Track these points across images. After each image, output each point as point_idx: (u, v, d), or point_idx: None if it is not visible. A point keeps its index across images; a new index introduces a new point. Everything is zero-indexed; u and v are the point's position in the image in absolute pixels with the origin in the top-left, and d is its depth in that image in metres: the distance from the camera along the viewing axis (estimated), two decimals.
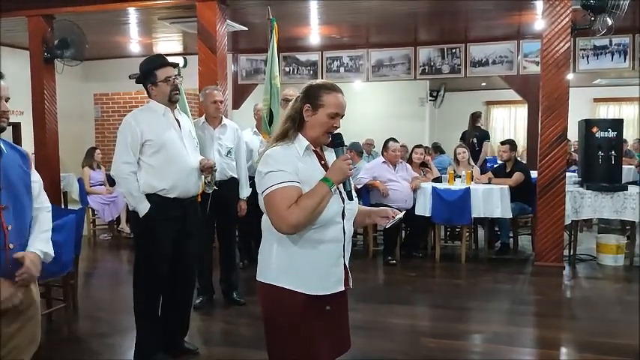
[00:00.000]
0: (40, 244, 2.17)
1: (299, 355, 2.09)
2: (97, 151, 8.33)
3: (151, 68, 3.39)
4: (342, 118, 2.10)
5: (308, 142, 2.07)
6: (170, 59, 3.56)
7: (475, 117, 9.84)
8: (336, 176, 2.02)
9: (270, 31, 5.08)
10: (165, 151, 3.34)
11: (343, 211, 2.09)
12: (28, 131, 7.66)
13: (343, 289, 2.11)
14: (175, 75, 3.41)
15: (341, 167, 2.02)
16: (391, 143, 6.61)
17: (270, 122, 4.87)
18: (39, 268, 2.14)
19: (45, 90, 6.97)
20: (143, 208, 3.35)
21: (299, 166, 2.03)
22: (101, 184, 8.09)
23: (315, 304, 2.06)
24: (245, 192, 4.64)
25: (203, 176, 3.70)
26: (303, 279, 2.04)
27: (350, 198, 2.07)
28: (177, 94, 3.42)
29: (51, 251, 2.22)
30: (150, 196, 3.35)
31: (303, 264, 2.04)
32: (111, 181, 8.14)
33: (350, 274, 2.14)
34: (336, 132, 2.09)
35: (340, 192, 2.07)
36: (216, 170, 3.76)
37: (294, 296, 2.03)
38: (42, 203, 2.27)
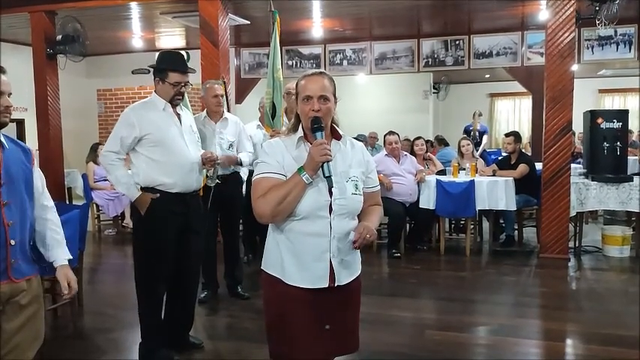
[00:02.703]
0: (64, 252, 2.31)
1: (280, 345, 2.11)
2: (101, 146, 8.31)
3: (166, 68, 3.37)
4: (325, 100, 2.02)
5: (301, 135, 2.08)
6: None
7: (477, 115, 10.76)
8: (308, 163, 1.97)
9: (272, 23, 5.05)
10: (165, 146, 3.33)
11: (331, 206, 2.02)
12: (32, 127, 7.67)
13: (326, 285, 2.04)
14: (185, 82, 3.39)
15: (311, 153, 1.97)
16: (387, 136, 6.60)
17: (273, 115, 4.85)
18: (74, 276, 2.34)
19: (48, 86, 6.98)
20: (133, 193, 3.34)
21: (286, 158, 2.05)
22: (105, 180, 8.07)
23: (301, 296, 2.04)
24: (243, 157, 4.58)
25: (205, 170, 3.68)
26: (285, 269, 2.06)
27: (330, 184, 1.98)
28: (179, 99, 3.42)
29: (69, 254, 2.35)
30: (151, 190, 3.35)
31: (286, 254, 2.06)
32: None
33: (338, 273, 2.05)
34: (314, 116, 2.02)
35: (330, 186, 1.99)
36: (219, 163, 3.74)
37: (280, 284, 2.07)
38: (49, 201, 2.31)
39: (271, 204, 1.98)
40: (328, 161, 1.96)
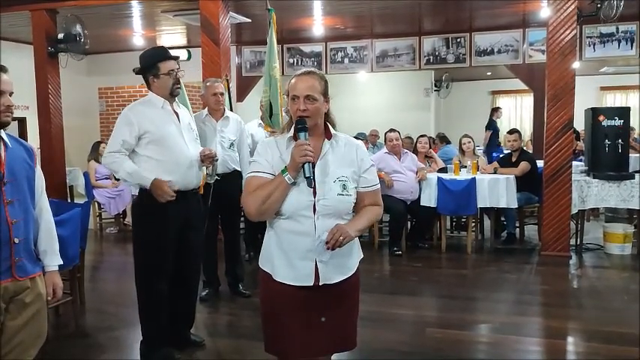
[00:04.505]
0: (55, 257, 2.31)
1: (274, 341, 2.15)
2: (103, 145, 8.31)
3: (154, 61, 3.36)
4: (312, 99, 2.04)
5: (291, 134, 2.10)
6: (173, 52, 3.55)
7: (493, 110, 11.76)
8: (290, 164, 2.00)
9: (269, 22, 5.04)
10: (164, 144, 3.32)
11: (315, 206, 2.03)
12: (33, 126, 7.68)
13: (311, 284, 2.06)
14: (177, 68, 3.39)
15: (292, 154, 2.00)
16: (388, 134, 6.60)
17: (271, 114, 4.83)
18: (61, 283, 2.35)
19: (49, 84, 6.98)
20: (147, 180, 3.29)
21: (275, 158, 2.08)
22: (107, 178, 8.11)
23: (291, 293, 2.07)
24: None
25: (204, 167, 3.68)
26: (274, 265, 2.10)
27: (309, 185, 1.99)
28: (178, 87, 3.40)
29: (60, 260, 2.35)
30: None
31: (276, 250, 2.10)
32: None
33: (322, 272, 2.06)
34: (299, 117, 2.04)
35: (309, 186, 2.00)
36: (217, 160, 3.73)
37: (272, 280, 2.11)
38: (46, 204, 2.32)
39: (256, 202, 2.03)
40: (308, 162, 1.98)
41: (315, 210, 2.03)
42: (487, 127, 11.34)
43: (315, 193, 2.03)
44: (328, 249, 2.00)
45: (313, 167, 2.00)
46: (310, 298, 2.08)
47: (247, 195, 2.07)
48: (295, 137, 2.07)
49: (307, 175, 1.99)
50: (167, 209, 3.33)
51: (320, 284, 2.07)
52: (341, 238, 1.98)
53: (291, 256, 2.07)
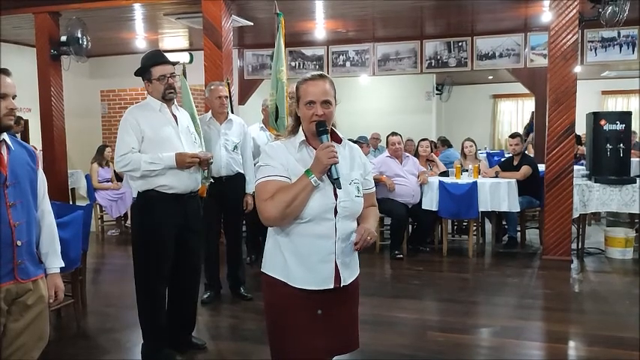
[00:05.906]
0: (56, 259, 2.32)
1: (283, 346, 2.12)
2: (108, 149, 8.34)
3: (148, 65, 3.37)
4: (327, 104, 2.04)
5: (303, 138, 2.09)
6: (175, 55, 3.55)
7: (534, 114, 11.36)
8: (316, 166, 1.98)
9: (277, 26, 5.05)
10: (162, 147, 3.31)
11: (336, 208, 2.03)
12: (35, 128, 7.70)
13: (332, 286, 2.06)
14: (171, 74, 3.37)
15: (318, 156, 1.99)
16: (390, 137, 6.62)
17: (277, 117, 4.85)
18: (62, 285, 2.37)
19: (52, 87, 6.99)
20: (169, 158, 3.28)
21: (290, 161, 2.05)
22: (109, 181, 8.12)
23: (304, 297, 2.05)
24: (251, 187, 4.63)
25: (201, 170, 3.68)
26: (289, 271, 2.07)
27: (338, 186, 1.99)
28: (171, 92, 3.38)
29: (62, 262, 2.36)
30: (149, 192, 3.35)
31: (290, 256, 2.06)
32: (119, 178, 8.17)
33: (343, 273, 2.08)
34: (319, 120, 2.03)
35: (339, 188, 2.01)
36: (212, 163, 3.73)
37: (283, 287, 2.07)
38: (48, 206, 2.33)
39: (279, 207, 1.97)
40: (336, 163, 1.98)
41: (337, 212, 2.03)
42: (529, 131, 11.21)
43: (335, 196, 2.03)
44: (356, 250, 2.05)
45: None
46: (323, 301, 2.08)
47: (265, 200, 2.01)
48: (308, 141, 2.09)
49: (336, 177, 1.98)
50: (165, 212, 3.34)
51: (341, 285, 2.08)
52: (368, 238, 2.02)
53: (310, 260, 2.04)
